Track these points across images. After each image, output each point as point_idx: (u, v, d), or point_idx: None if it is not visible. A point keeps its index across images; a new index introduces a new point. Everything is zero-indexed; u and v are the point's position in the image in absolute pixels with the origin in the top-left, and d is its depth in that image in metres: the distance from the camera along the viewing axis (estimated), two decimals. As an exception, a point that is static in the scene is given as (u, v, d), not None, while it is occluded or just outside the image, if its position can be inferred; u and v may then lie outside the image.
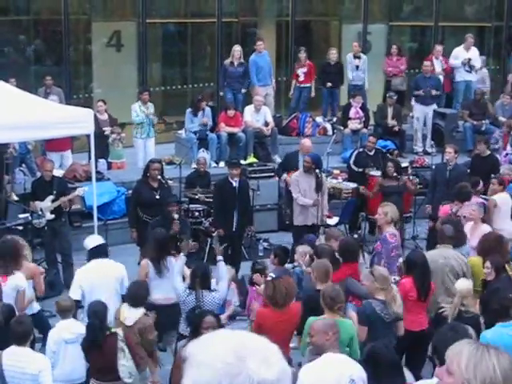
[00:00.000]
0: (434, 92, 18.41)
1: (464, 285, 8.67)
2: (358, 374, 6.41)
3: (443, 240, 10.11)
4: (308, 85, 18.83)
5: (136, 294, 8.81)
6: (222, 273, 9.61)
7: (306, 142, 14.77)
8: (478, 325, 8.35)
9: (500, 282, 8.97)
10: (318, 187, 13.21)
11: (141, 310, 8.66)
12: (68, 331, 8.61)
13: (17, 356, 7.56)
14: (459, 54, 19.46)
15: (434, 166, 15.55)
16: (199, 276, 9.15)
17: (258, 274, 10.29)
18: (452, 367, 3.03)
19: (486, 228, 11.10)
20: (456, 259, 9.88)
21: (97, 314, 8.32)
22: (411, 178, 14.98)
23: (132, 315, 8.55)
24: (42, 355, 7.88)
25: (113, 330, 8.36)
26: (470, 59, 19.27)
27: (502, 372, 2.96)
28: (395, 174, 14.06)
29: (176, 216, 11.81)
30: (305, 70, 18.74)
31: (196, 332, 7.49)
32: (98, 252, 9.88)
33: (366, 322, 8.30)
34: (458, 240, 10.42)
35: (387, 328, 8.37)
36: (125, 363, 8.13)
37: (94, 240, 10.19)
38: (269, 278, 9.34)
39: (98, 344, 8.15)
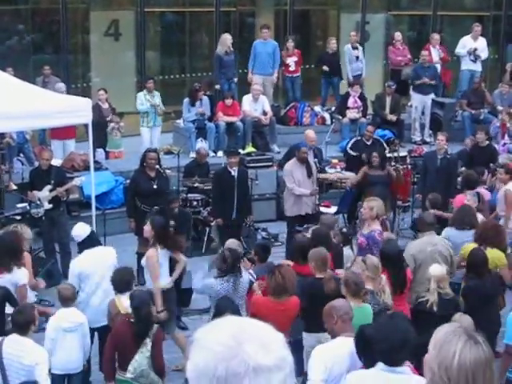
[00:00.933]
0: (433, 81, 18.41)
1: (437, 270, 8.78)
2: None
3: (424, 227, 10.14)
4: (298, 74, 18.80)
5: (123, 279, 8.77)
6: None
7: (310, 132, 14.68)
8: (458, 306, 8.51)
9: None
10: (309, 173, 13.22)
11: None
12: (67, 320, 8.60)
13: (17, 345, 7.55)
14: (466, 44, 19.42)
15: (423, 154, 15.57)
16: (237, 261, 9.09)
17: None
18: (429, 348, 3.04)
19: (479, 217, 11.11)
20: (442, 244, 9.98)
21: (142, 303, 8.10)
22: (399, 166, 14.94)
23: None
24: (42, 348, 7.81)
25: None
26: (476, 49, 19.24)
27: (462, 362, 2.92)
28: (379, 163, 13.86)
29: (176, 211, 11.73)
30: (295, 58, 18.70)
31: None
32: (89, 243, 9.86)
33: None
34: (471, 224, 10.47)
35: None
36: (137, 358, 8.13)
37: (81, 229, 10.02)
38: (250, 277, 9.32)
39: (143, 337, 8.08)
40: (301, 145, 13.72)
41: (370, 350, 5.85)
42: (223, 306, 8.16)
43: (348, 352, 6.48)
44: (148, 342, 8.08)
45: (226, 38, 17.96)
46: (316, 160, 14.82)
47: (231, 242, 10.08)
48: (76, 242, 10.02)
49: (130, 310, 8.31)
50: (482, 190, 12.43)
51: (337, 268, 9.59)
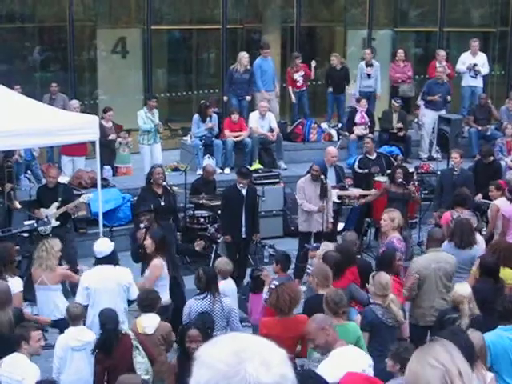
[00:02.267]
0: (448, 98, 18.46)
1: (466, 289, 8.64)
2: (369, 363, 6.57)
3: (432, 243, 10.12)
4: (305, 88, 18.83)
5: (146, 301, 8.81)
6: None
7: (331, 149, 14.56)
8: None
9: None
10: (323, 194, 13.18)
11: (157, 317, 8.70)
12: (75, 339, 8.61)
13: (11, 362, 7.62)
14: (466, 60, 19.44)
15: (439, 172, 15.52)
16: (212, 280, 9.20)
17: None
18: None
19: (478, 237, 11.05)
20: (448, 261, 9.92)
21: (109, 319, 8.36)
22: (416, 185, 14.92)
23: (151, 323, 8.60)
24: (33, 365, 7.85)
25: (123, 332, 8.42)
26: (475, 64, 19.25)
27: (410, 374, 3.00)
28: (402, 181, 13.85)
29: (142, 225, 11.63)
30: (302, 73, 18.71)
31: (182, 343, 7.74)
32: (109, 260, 9.83)
33: (368, 328, 8.32)
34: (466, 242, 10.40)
35: (390, 332, 8.37)
36: (140, 360, 8.18)
37: (104, 245, 9.98)
38: (272, 286, 9.34)
39: (112, 349, 8.18)
40: (315, 163, 13.63)
41: None
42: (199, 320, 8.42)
43: (351, 365, 6.49)
44: (137, 343, 8.18)
45: (242, 57, 17.89)
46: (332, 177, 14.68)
47: (220, 261, 10.27)
48: (96, 256, 9.91)
49: (146, 330, 8.40)
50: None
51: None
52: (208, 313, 8.84)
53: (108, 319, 8.37)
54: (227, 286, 10.08)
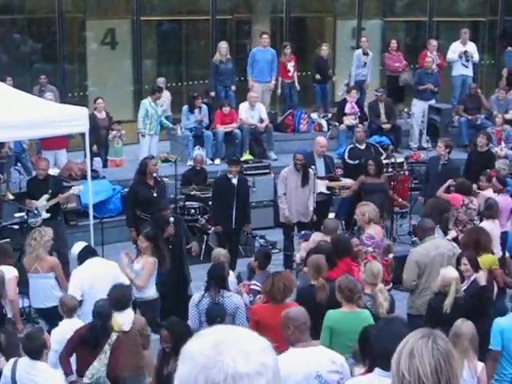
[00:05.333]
0: (436, 88, 18.51)
1: (453, 272, 8.81)
2: (329, 368, 6.33)
3: (425, 233, 10.15)
4: (294, 79, 18.83)
5: (123, 299, 8.63)
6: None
7: (321, 139, 14.58)
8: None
9: None
10: (304, 182, 13.20)
11: (131, 312, 8.65)
12: (71, 331, 8.55)
13: (31, 369, 7.45)
14: (456, 49, 19.48)
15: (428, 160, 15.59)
16: (215, 277, 9.01)
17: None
18: None
19: (490, 224, 11.17)
20: (445, 246, 10.03)
21: (101, 314, 8.32)
22: (396, 173, 14.96)
23: (126, 320, 8.49)
24: (56, 372, 7.80)
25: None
26: (466, 51, 19.29)
27: (412, 357, 3.01)
28: (376, 172, 13.80)
29: (171, 219, 11.67)
30: (293, 63, 18.72)
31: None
32: (86, 253, 9.91)
33: None
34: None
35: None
36: (95, 364, 8.13)
37: (76, 248, 10.18)
38: (255, 287, 9.37)
39: (98, 344, 8.17)
40: (298, 152, 13.65)
41: (370, 353, 5.83)
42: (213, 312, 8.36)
43: (301, 367, 6.37)
44: (107, 349, 8.14)
45: (220, 47, 17.97)
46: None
47: (218, 252, 10.18)
48: (75, 258, 10.08)
49: (123, 328, 8.35)
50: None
51: None
52: (219, 304, 8.70)
53: (99, 314, 8.31)
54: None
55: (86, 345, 8.25)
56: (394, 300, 9.04)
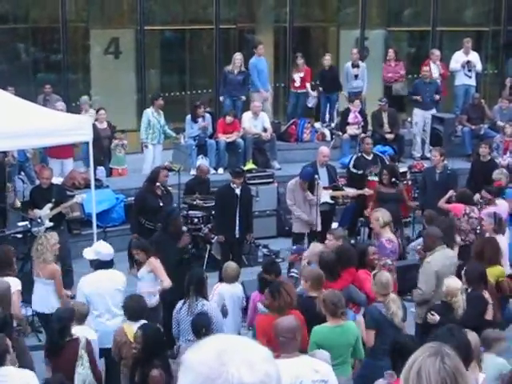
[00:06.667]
0: (436, 97, 18.48)
1: (457, 282, 8.85)
2: (314, 378, 6.35)
3: (435, 243, 10.11)
4: (304, 90, 18.80)
5: (138, 309, 8.67)
6: None
7: (324, 149, 14.59)
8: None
9: None
10: (312, 190, 13.23)
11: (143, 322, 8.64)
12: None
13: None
14: (459, 59, 19.49)
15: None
16: (194, 283, 9.09)
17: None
18: None
19: (500, 238, 11.09)
20: (454, 255, 10.17)
21: (60, 319, 8.33)
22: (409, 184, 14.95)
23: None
24: (26, 370, 7.71)
25: (74, 337, 8.32)
26: (468, 61, 19.30)
27: (421, 373, 2.98)
28: (392, 180, 13.81)
29: (185, 228, 11.66)
30: (301, 74, 18.69)
31: None
32: (107, 265, 9.82)
33: (373, 326, 8.32)
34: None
35: (395, 329, 8.34)
36: (81, 371, 8.11)
37: (107, 249, 9.97)
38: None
39: (57, 349, 8.17)
40: (302, 176, 13.55)
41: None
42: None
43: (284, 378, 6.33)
44: (83, 353, 8.12)
45: (235, 58, 17.80)
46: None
47: (230, 267, 10.16)
48: (95, 258, 9.85)
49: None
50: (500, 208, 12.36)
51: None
52: (204, 313, 8.75)
53: (59, 319, 8.33)
54: (232, 291, 9.99)
55: (53, 355, 8.26)
56: (406, 308, 9.00)
